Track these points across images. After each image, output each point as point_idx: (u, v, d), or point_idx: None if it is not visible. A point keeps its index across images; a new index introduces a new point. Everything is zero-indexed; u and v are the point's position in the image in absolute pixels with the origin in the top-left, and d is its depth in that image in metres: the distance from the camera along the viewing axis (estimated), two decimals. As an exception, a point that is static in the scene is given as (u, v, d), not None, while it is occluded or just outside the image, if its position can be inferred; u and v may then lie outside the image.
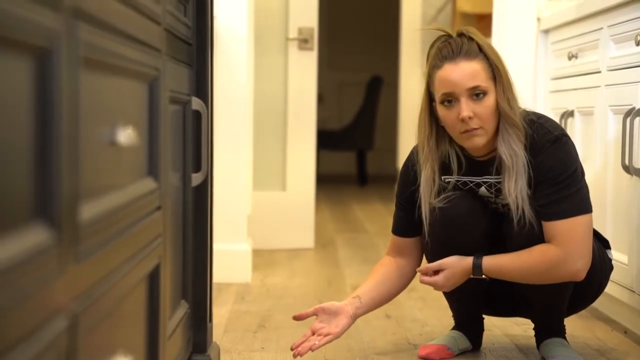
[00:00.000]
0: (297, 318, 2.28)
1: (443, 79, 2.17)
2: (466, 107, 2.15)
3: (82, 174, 1.00)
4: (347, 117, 8.79)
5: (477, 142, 2.18)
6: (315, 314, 2.28)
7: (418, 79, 6.79)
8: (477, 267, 2.21)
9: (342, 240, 4.65)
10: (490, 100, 2.16)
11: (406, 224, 2.39)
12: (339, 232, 5.00)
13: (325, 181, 5.98)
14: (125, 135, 1.18)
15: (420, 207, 2.31)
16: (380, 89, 8.31)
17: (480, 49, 2.17)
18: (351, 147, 8.44)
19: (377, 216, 5.84)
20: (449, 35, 2.22)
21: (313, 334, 2.25)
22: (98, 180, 1.11)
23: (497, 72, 2.18)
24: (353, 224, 5.47)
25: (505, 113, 2.17)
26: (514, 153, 2.16)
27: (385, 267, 2.40)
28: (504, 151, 2.17)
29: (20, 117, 0.83)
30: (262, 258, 3.90)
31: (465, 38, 2.19)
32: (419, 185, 2.32)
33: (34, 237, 0.85)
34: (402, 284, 2.41)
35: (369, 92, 8.36)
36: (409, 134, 6.75)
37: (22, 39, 0.81)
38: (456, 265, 2.22)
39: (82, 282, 1.01)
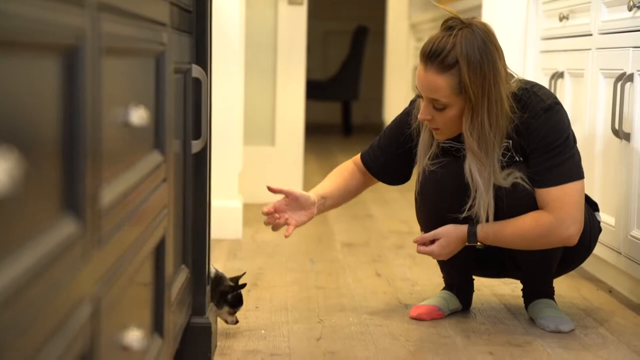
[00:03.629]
0: (271, 189, 2.35)
1: (417, 74, 2.23)
2: (424, 111, 2.22)
3: (102, 161, 1.03)
4: (333, 67, 8.77)
5: (438, 137, 2.29)
6: (287, 195, 2.35)
7: (405, 29, 6.79)
8: (471, 235, 2.26)
9: (329, 194, 4.69)
10: (451, 112, 2.19)
11: (378, 164, 2.47)
12: (326, 186, 5.03)
13: (311, 131, 6.02)
14: (138, 116, 1.20)
15: (403, 154, 2.39)
16: (366, 38, 8.29)
17: (457, 61, 2.13)
18: (336, 97, 8.45)
19: (363, 168, 5.87)
20: (449, 27, 2.18)
21: (275, 211, 2.35)
22: (114, 162, 1.13)
23: (466, 91, 2.14)
24: (340, 176, 5.50)
25: (469, 137, 2.18)
26: (478, 177, 2.20)
27: (352, 179, 2.48)
28: (467, 172, 2.21)
29: (48, 114, 0.85)
30: (252, 213, 3.93)
31: (455, 40, 2.14)
32: (411, 144, 2.36)
33: (63, 230, 0.87)
34: (354, 196, 2.53)
35: (355, 41, 8.33)
36: (394, 84, 6.77)
37: (51, 41, 0.82)
38: (451, 233, 2.27)
39: (103, 266, 1.04)
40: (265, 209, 2.35)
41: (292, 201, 2.36)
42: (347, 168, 2.50)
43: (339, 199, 2.47)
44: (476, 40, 2.14)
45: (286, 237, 2.34)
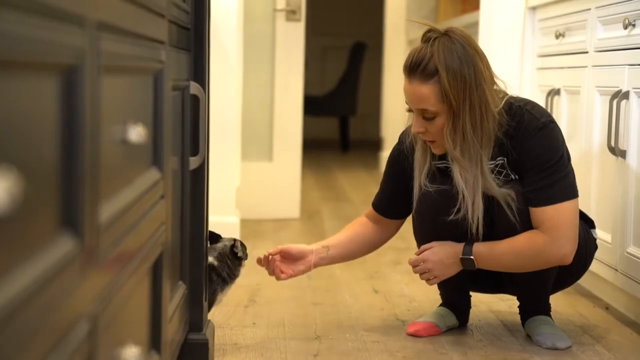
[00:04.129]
0: (260, 262, 2.37)
1: (403, 89, 2.24)
2: (417, 124, 2.24)
3: (100, 178, 1.03)
4: (330, 83, 8.80)
5: (435, 151, 2.29)
6: (279, 254, 2.36)
7: (403, 45, 6.80)
8: (467, 250, 2.25)
9: (327, 211, 4.70)
10: (441, 121, 2.20)
11: (386, 205, 2.46)
12: (324, 201, 5.05)
13: (308, 146, 6.04)
14: (136, 133, 1.20)
15: (405, 186, 2.37)
16: (363, 54, 8.32)
17: (437, 69, 2.15)
18: (334, 112, 8.47)
19: (361, 184, 5.89)
20: (427, 39, 2.20)
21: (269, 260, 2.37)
22: (112, 179, 1.14)
23: (447, 97, 2.16)
24: (337, 192, 5.51)
25: (450, 143, 2.19)
26: (462, 182, 2.22)
27: (362, 227, 2.48)
28: (457, 181, 2.22)
29: (48, 133, 0.86)
30: (249, 229, 3.94)
31: (433, 49, 2.16)
32: (407, 166, 2.36)
33: (61, 247, 0.88)
34: (371, 250, 2.51)
35: (353, 57, 8.36)
36: (392, 100, 6.78)
37: (51, 61, 0.83)
38: (444, 243, 2.29)
39: (101, 283, 1.04)
40: (258, 258, 2.37)
41: (286, 255, 2.37)
42: (358, 219, 2.51)
43: (346, 248, 2.44)
44: (454, 46, 2.16)
45: (278, 279, 2.38)
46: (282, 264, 2.37)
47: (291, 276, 2.37)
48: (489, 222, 2.26)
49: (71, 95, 0.90)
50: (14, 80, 0.74)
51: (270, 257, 2.36)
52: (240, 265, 2.32)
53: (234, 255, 2.29)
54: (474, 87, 2.17)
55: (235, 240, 2.32)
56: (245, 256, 2.33)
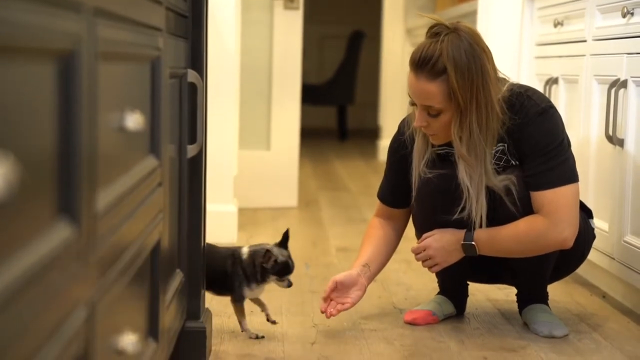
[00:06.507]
0: (325, 301, 2.33)
1: (408, 83, 2.23)
2: (419, 118, 2.23)
3: (98, 165, 1.03)
4: (328, 72, 8.78)
5: (435, 142, 2.29)
6: (334, 288, 2.33)
7: (401, 33, 6.80)
8: (468, 236, 2.26)
9: (325, 199, 4.70)
10: (446, 117, 2.20)
11: (393, 195, 2.45)
12: (322, 190, 5.05)
13: (306, 135, 6.04)
14: (133, 120, 1.20)
15: (408, 174, 2.36)
16: (361, 43, 8.30)
17: (446, 67, 2.14)
18: (332, 101, 8.45)
19: (359, 173, 5.89)
20: (435, 33, 2.20)
21: (329, 302, 2.33)
22: (109, 167, 1.13)
23: (455, 96, 2.16)
24: (335, 181, 5.52)
25: (458, 141, 2.20)
26: (467, 181, 2.22)
27: (379, 230, 2.47)
28: (462, 178, 2.22)
29: (44, 119, 0.86)
30: (247, 217, 3.94)
31: (442, 46, 2.15)
32: (407, 154, 2.36)
33: (58, 234, 0.88)
34: (395, 246, 2.50)
35: (351, 46, 8.34)
36: (390, 89, 6.78)
37: (47, 46, 0.83)
38: (445, 230, 2.29)
39: (98, 270, 1.04)
40: (323, 309, 2.32)
41: (340, 285, 2.34)
42: (373, 225, 2.50)
43: (381, 257, 2.44)
44: (463, 44, 2.16)
45: (342, 310, 2.34)
46: (339, 297, 2.34)
47: (352, 304, 2.35)
48: (491, 219, 2.26)
49: (68, 81, 0.90)
50: (10, 66, 0.74)
51: (328, 298, 2.33)
52: (267, 273, 2.23)
53: (268, 274, 2.24)
54: (481, 87, 2.16)
55: (268, 250, 2.23)
56: (273, 269, 2.23)
